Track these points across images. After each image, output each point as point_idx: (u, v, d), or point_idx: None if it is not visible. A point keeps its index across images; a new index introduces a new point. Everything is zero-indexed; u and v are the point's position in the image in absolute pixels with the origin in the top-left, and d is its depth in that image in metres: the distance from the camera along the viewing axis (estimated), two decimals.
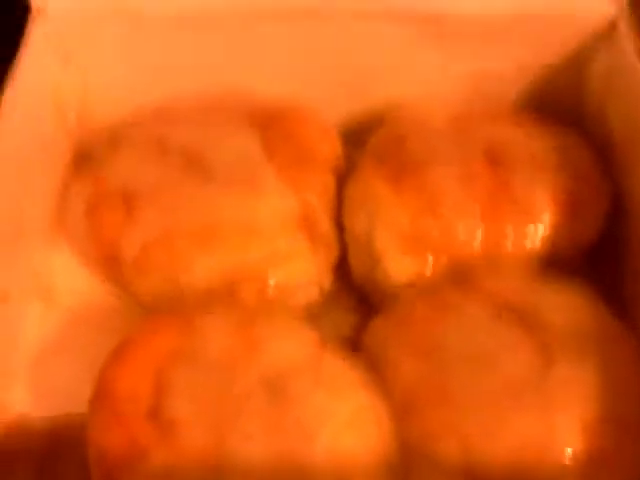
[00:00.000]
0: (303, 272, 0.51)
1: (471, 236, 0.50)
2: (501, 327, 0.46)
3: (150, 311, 0.52)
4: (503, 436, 0.42)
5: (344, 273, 0.54)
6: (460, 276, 0.49)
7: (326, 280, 0.53)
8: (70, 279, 0.55)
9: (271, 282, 0.50)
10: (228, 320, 0.46)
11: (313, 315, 0.52)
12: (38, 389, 0.51)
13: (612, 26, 0.55)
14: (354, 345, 0.50)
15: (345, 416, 0.43)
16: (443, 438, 0.42)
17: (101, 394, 0.43)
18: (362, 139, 0.57)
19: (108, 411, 0.43)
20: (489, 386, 0.43)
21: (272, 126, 0.55)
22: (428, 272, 0.51)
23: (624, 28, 0.54)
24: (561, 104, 0.58)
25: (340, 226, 0.54)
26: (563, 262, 0.52)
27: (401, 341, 0.47)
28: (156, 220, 0.51)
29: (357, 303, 0.54)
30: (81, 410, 0.44)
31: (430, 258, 0.51)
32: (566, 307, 0.47)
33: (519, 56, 0.57)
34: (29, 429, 0.49)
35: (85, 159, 0.58)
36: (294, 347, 0.45)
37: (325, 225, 0.53)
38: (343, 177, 0.55)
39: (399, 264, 0.51)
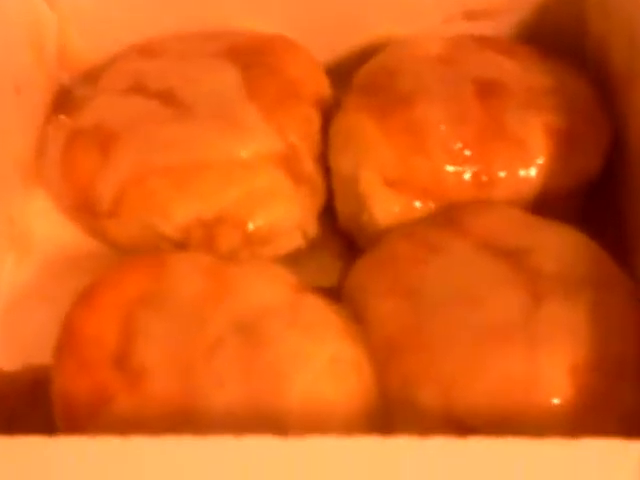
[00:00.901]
0: (286, 216, 0.49)
1: (460, 176, 0.48)
2: (488, 267, 0.44)
3: (127, 256, 0.50)
4: (486, 378, 0.39)
5: (331, 218, 0.52)
6: (447, 217, 0.47)
7: (311, 225, 0.50)
8: (46, 226, 0.53)
9: (251, 226, 0.48)
10: (200, 263, 0.44)
11: (296, 262, 0.50)
12: (10, 339, 0.49)
13: None
14: (338, 292, 0.47)
15: (323, 361, 0.41)
16: (424, 383, 0.40)
17: (66, 339, 0.42)
18: (349, 79, 0.54)
19: (73, 357, 0.41)
20: (473, 327, 0.41)
21: (254, 60, 0.53)
22: (415, 214, 0.48)
23: None
24: (559, 36, 0.55)
25: (326, 167, 0.51)
26: (558, 205, 0.49)
27: (381, 282, 0.45)
28: (131, 160, 0.49)
29: (344, 249, 0.52)
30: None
31: (418, 200, 0.48)
32: (559, 248, 0.44)
33: None
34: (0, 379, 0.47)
35: (64, 101, 0.56)
36: (269, 290, 0.43)
37: (309, 166, 0.51)
38: (329, 114, 0.53)
39: (385, 206, 0.48)
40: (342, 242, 0.52)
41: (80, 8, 0.55)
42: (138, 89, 0.52)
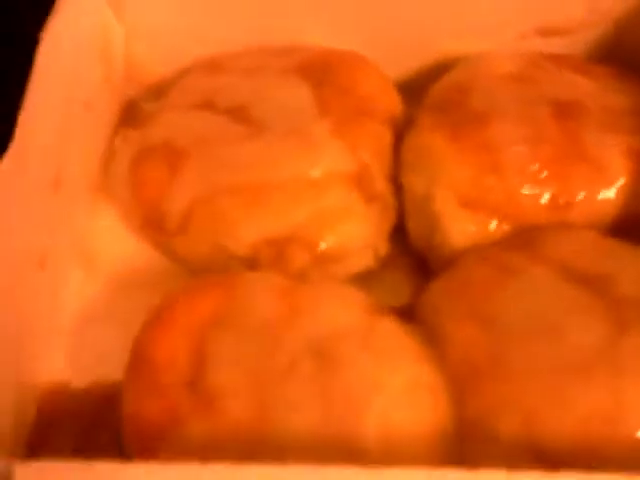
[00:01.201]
0: (357, 235, 0.48)
1: (537, 198, 0.47)
2: (568, 293, 0.42)
3: (196, 275, 0.49)
4: (569, 410, 0.38)
5: (401, 237, 0.51)
6: (525, 240, 0.46)
7: (382, 244, 0.49)
8: (113, 243, 0.52)
9: (322, 246, 0.47)
10: (272, 284, 0.43)
11: (367, 282, 0.49)
12: (79, 357, 0.48)
13: None
14: (410, 313, 0.46)
15: (398, 387, 0.40)
16: (505, 413, 0.39)
17: (138, 361, 0.41)
18: (421, 96, 0.53)
19: (145, 379, 0.40)
20: (554, 356, 0.40)
21: (325, 77, 0.52)
22: (490, 235, 0.47)
23: None
24: (637, 54, 0.53)
25: (398, 186, 0.50)
26: (637, 229, 0.48)
27: (458, 307, 0.43)
28: (200, 178, 0.48)
29: (415, 269, 0.51)
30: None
31: (493, 221, 0.47)
32: None
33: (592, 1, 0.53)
34: (69, 397, 0.47)
35: (132, 115, 0.56)
36: (343, 312, 0.42)
37: (381, 184, 0.49)
38: (401, 132, 0.51)
39: (459, 226, 0.47)
40: (413, 262, 0.51)
41: (147, 21, 0.55)
42: (207, 105, 0.51)
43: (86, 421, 0.45)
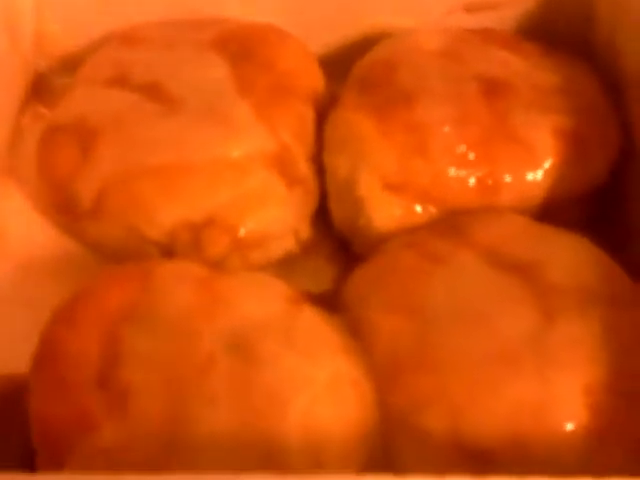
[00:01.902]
0: (278, 219, 0.46)
1: (464, 181, 0.45)
2: (497, 281, 0.41)
3: (109, 260, 0.47)
4: (497, 403, 0.37)
5: (324, 219, 0.49)
6: (451, 225, 0.44)
7: (304, 228, 0.48)
8: (22, 225, 0.49)
9: (242, 231, 0.45)
10: (189, 274, 0.41)
11: (289, 267, 0.47)
12: None
13: None
14: (334, 300, 0.45)
15: (321, 382, 0.38)
16: (430, 407, 0.38)
17: (45, 357, 0.39)
18: (344, 72, 0.51)
19: (52, 378, 0.38)
20: (482, 347, 0.38)
21: (244, 52, 0.50)
22: (416, 219, 0.46)
23: None
24: (567, 32, 0.52)
25: (320, 167, 0.48)
26: (565, 211, 0.47)
27: (382, 296, 0.42)
28: (114, 158, 0.46)
29: (338, 253, 0.49)
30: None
31: (419, 204, 0.46)
32: (571, 261, 0.42)
33: None
34: None
35: (41, 89, 0.53)
36: (263, 304, 0.40)
37: (303, 166, 0.48)
38: (324, 110, 0.50)
39: (384, 210, 0.46)
40: (335, 245, 0.49)
41: None
42: (121, 81, 0.49)
43: None
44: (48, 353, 0.39)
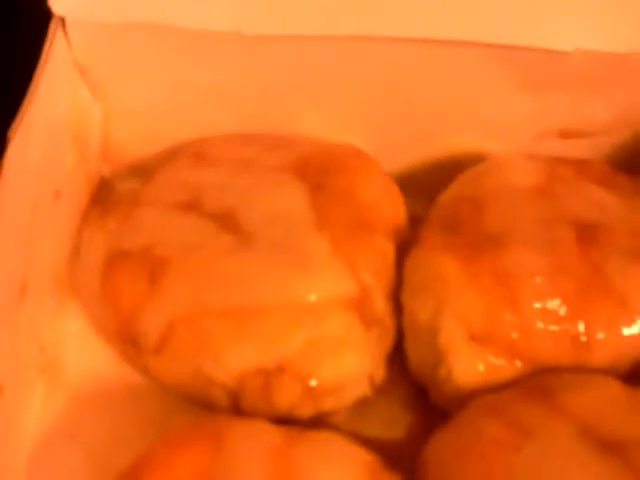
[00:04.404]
0: (355, 365, 0.43)
1: (556, 338, 0.42)
2: (591, 462, 0.38)
3: (171, 396, 0.44)
4: None
5: (399, 358, 0.46)
6: (541, 387, 0.41)
7: (379, 372, 0.45)
8: (80, 349, 0.47)
9: (316, 379, 0.42)
10: (264, 440, 0.38)
11: (361, 411, 0.44)
12: None
13: None
14: (411, 458, 0.42)
15: None
16: None
17: None
18: (424, 190, 0.48)
19: None
20: None
21: (323, 180, 0.46)
22: (501, 376, 0.43)
23: None
24: None
25: (397, 304, 0.46)
26: None
27: (467, 470, 0.39)
28: (184, 294, 0.43)
29: (413, 397, 0.46)
30: None
31: (504, 359, 0.43)
32: None
33: (620, 102, 0.48)
34: None
35: (103, 195, 0.50)
36: (343, 477, 0.37)
37: (381, 306, 0.45)
38: (404, 244, 0.47)
39: (467, 364, 0.43)
40: (410, 388, 0.46)
41: (127, 99, 0.49)
42: (193, 206, 0.46)
43: None
44: None
